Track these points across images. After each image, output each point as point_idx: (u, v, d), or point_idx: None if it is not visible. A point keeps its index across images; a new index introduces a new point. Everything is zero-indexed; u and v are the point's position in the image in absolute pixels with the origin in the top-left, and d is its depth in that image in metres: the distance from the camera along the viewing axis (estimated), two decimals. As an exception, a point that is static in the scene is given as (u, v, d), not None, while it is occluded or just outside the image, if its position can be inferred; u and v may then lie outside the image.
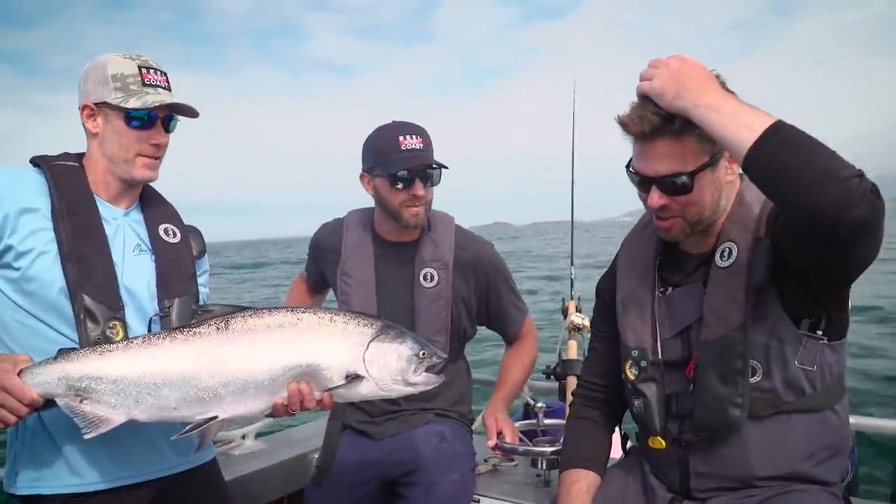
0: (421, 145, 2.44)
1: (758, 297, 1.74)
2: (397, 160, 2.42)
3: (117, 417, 1.71)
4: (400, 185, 2.43)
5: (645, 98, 1.73)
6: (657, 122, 1.70)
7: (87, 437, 1.70)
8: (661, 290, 1.93)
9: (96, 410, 1.71)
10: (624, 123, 1.77)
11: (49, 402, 1.73)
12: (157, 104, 1.89)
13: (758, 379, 1.76)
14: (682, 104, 1.62)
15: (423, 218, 2.51)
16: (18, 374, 1.68)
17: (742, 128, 1.54)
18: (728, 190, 1.82)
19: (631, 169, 1.84)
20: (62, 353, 1.73)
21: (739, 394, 1.74)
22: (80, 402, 1.71)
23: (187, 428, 1.73)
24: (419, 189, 2.43)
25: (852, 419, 1.90)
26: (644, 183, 1.80)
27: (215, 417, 1.72)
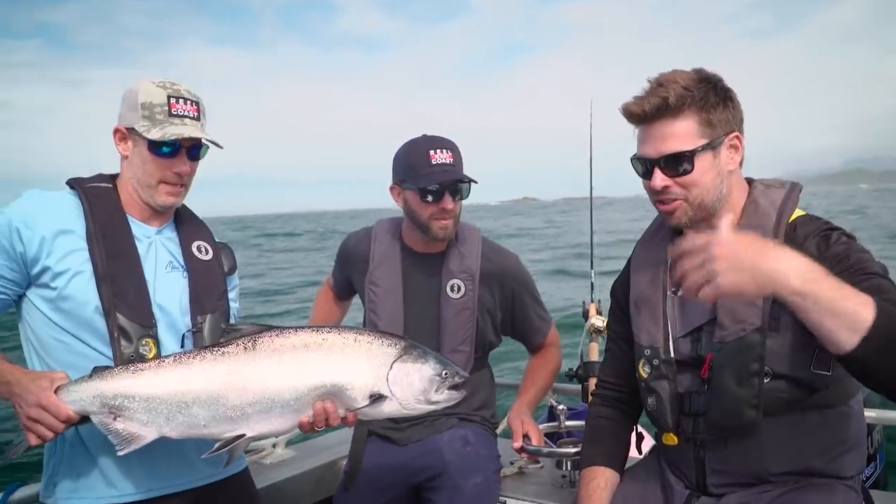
0: (451, 160, 2.49)
1: (775, 303, 1.74)
2: (427, 175, 2.46)
3: (149, 434, 1.78)
4: (430, 199, 2.47)
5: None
6: (656, 103, 1.77)
7: (120, 453, 1.77)
8: (673, 289, 1.96)
9: (129, 427, 1.77)
10: (625, 109, 1.84)
11: (84, 419, 1.79)
12: (176, 137, 1.94)
13: (772, 380, 1.77)
14: (771, 293, 1.53)
15: (452, 231, 2.56)
16: (55, 392, 1.75)
17: (843, 328, 1.47)
18: (729, 181, 1.85)
19: (634, 156, 1.89)
20: (97, 371, 1.80)
21: (755, 395, 1.76)
22: (114, 419, 1.77)
23: (216, 446, 1.78)
24: (448, 203, 2.48)
25: (884, 413, 1.89)
26: (647, 167, 1.85)
27: (243, 435, 1.78)
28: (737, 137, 1.84)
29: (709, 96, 1.78)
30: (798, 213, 1.85)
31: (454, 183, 2.48)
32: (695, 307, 1.89)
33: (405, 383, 1.79)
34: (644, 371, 1.95)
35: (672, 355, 1.91)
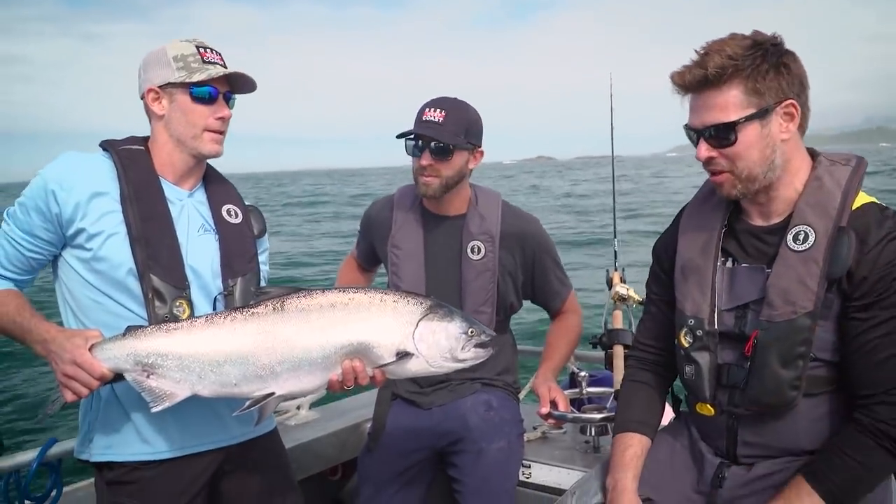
0: (440, 119, 2.48)
1: (829, 291, 1.74)
2: (412, 129, 2.50)
3: (182, 392, 1.81)
4: (413, 154, 2.52)
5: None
6: (696, 75, 1.74)
7: (153, 410, 1.80)
8: (723, 260, 1.93)
9: (162, 385, 1.81)
10: (672, 78, 1.81)
11: (118, 377, 1.83)
12: (221, 74, 1.98)
13: (814, 362, 1.78)
14: None
15: (436, 189, 2.53)
16: (90, 350, 1.79)
17: None
18: (784, 150, 1.80)
19: (686, 126, 1.86)
20: (130, 329, 1.83)
21: (799, 376, 1.76)
22: (147, 377, 1.80)
23: (247, 404, 1.81)
24: (425, 159, 2.48)
25: None
26: (693, 137, 1.83)
27: (272, 394, 1.80)
28: (792, 105, 1.77)
29: (758, 63, 1.72)
30: (863, 198, 1.80)
31: (430, 141, 2.47)
32: (745, 282, 1.87)
33: (431, 341, 1.80)
34: (686, 340, 1.93)
35: (716, 327, 1.89)
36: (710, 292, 1.91)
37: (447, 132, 2.47)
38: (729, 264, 1.92)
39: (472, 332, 1.83)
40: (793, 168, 1.83)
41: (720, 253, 1.93)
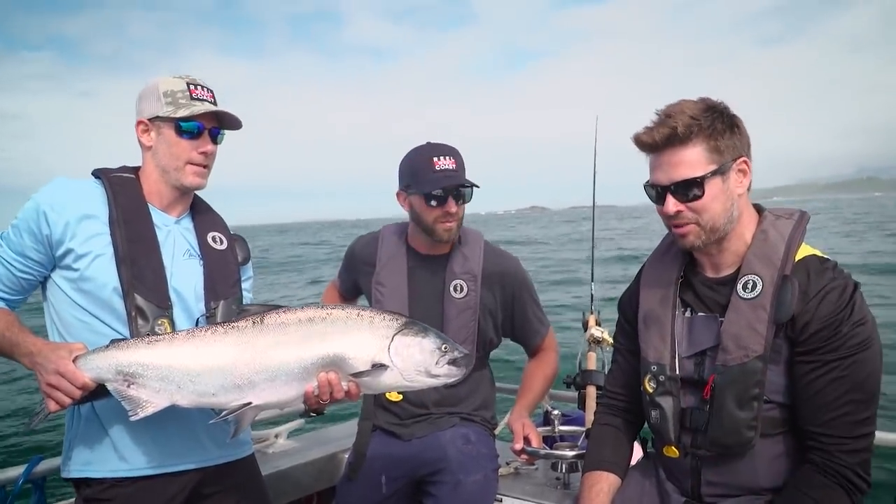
0: (453, 166, 2.60)
1: (777, 335, 1.85)
2: (432, 180, 2.57)
3: (160, 401, 1.87)
4: (434, 203, 2.58)
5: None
6: (665, 133, 1.86)
7: (132, 418, 1.86)
8: (682, 309, 2.05)
9: (141, 394, 1.86)
10: (636, 139, 1.92)
11: (101, 388, 1.89)
12: (204, 111, 2.07)
13: (768, 404, 1.88)
14: None
15: (456, 233, 2.65)
16: (73, 361, 1.85)
17: None
18: (739, 204, 1.93)
19: (648, 184, 1.97)
20: (114, 342, 1.90)
21: (754, 417, 1.86)
22: (128, 386, 1.87)
23: (224, 413, 1.87)
24: (452, 206, 2.58)
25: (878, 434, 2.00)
26: (660, 193, 1.93)
27: (249, 403, 1.86)
28: (745, 162, 1.92)
29: (715, 124, 1.86)
30: (806, 250, 1.92)
31: (457, 188, 2.59)
32: (702, 330, 1.98)
33: (406, 354, 1.85)
34: (650, 386, 2.03)
35: (678, 373, 2.00)
36: (671, 340, 2.02)
37: (463, 176, 2.61)
38: (687, 314, 2.03)
39: (445, 348, 1.88)
40: (743, 222, 1.96)
41: (679, 303, 2.05)
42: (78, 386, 1.84)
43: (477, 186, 2.63)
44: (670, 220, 1.95)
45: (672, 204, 1.90)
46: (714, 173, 1.87)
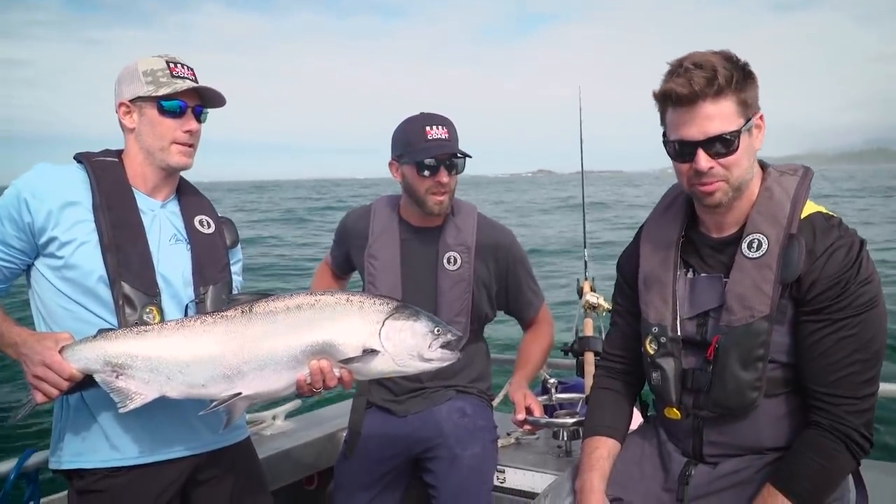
0: (446, 135, 2.56)
1: (782, 296, 1.82)
2: (424, 149, 2.53)
3: (150, 393, 1.84)
4: (427, 173, 2.54)
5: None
6: (703, 83, 1.75)
7: (121, 410, 1.83)
8: (684, 270, 2.00)
9: (130, 386, 1.84)
10: (670, 90, 1.80)
11: (88, 379, 1.85)
12: (185, 88, 2.02)
13: (772, 364, 1.85)
14: None
15: (447, 205, 2.61)
16: (60, 352, 1.82)
17: None
18: (754, 160, 1.88)
19: (670, 140, 1.87)
20: (101, 332, 1.86)
21: (758, 378, 1.83)
22: (116, 377, 1.84)
23: (213, 404, 1.84)
24: (444, 176, 2.54)
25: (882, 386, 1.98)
26: (687, 149, 1.83)
27: (239, 394, 1.83)
28: (760, 117, 1.86)
29: (743, 76, 1.79)
30: (811, 207, 1.87)
31: (449, 157, 2.55)
32: (705, 290, 1.94)
33: (397, 339, 1.83)
34: (651, 347, 2.00)
35: (679, 334, 1.96)
36: (672, 301, 1.98)
37: (456, 146, 2.57)
38: (689, 274, 1.99)
39: (438, 331, 1.86)
40: (750, 182, 1.90)
41: (681, 264, 2.00)
42: (65, 377, 1.81)
43: (469, 156, 2.58)
44: (698, 178, 1.85)
45: (704, 160, 1.81)
46: (744, 128, 1.80)
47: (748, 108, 1.80)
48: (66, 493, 2.09)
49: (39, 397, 1.83)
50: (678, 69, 1.80)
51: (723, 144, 1.79)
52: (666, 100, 1.84)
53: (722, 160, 1.81)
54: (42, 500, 2.39)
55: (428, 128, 2.55)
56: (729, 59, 1.80)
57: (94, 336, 1.85)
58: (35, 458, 2.30)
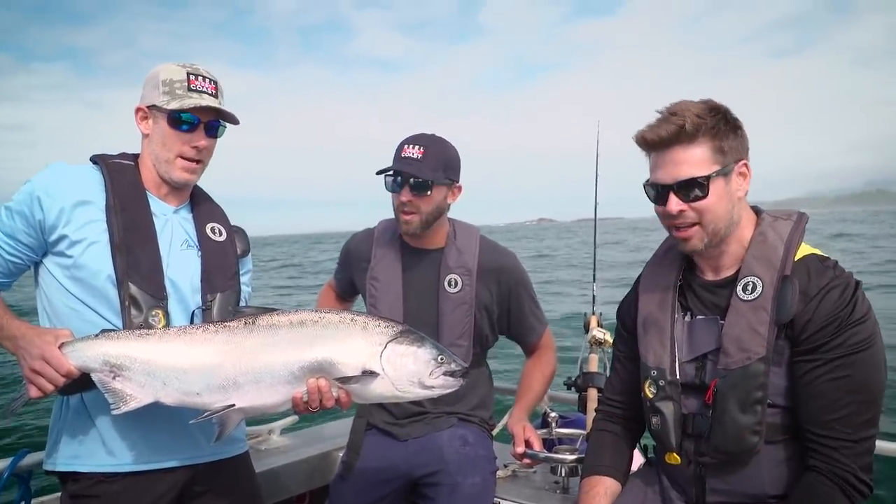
0: (419, 155, 2.51)
1: (778, 337, 1.82)
2: (393, 165, 2.53)
3: (144, 397, 1.82)
4: (392, 190, 2.54)
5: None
6: (672, 130, 1.82)
7: (115, 412, 1.81)
8: (682, 313, 2.01)
9: (126, 388, 1.82)
10: (640, 137, 1.88)
11: (86, 380, 1.84)
12: (194, 106, 2.00)
13: (772, 408, 1.84)
14: None
15: (417, 227, 2.56)
16: (59, 348, 1.81)
17: None
18: (739, 207, 1.91)
19: (648, 183, 1.93)
20: (103, 332, 1.85)
21: (758, 421, 1.82)
22: (113, 378, 1.82)
23: (206, 413, 1.81)
24: (405, 195, 2.51)
25: (879, 444, 1.96)
26: (661, 192, 1.89)
27: (233, 405, 1.80)
28: (745, 165, 1.90)
29: (720, 124, 1.84)
30: (806, 249, 1.89)
31: (409, 177, 2.50)
32: (702, 334, 1.94)
33: (398, 363, 1.80)
34: (650, 391, 2.00)
35: (678, 377, 1.96)
36: (670, 344, 1.98)
37: (426, 168, 2.51)
38: (687, 318, 1.99)
39: (441, 359, 1.83)
40: (742, 227, 1.93)
41: (678, 307, 2.01)
42: (62, 373, 1.79)
43: (427, 183, 2.51)
44: (671, 221, 1.91)
45: (675, 203, 1.87)
46: (718, 174, 1.84)
47: (724, 156, 1.84)
48: (58, 495, 2.07)
49: (34, 392, 1.81)
50: (659, 116, 1.87)
51: (692, 189, 1.84)
52: (642, 145, 1.91)
53: (693, 204, 1.85)
54: (33, 501, 2.36)
55: (407, 145, 2.54)
56: (710, 109, 1.85)
57: (96, 335, 1.85)
58: (29, 459, 2.28)
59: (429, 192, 2.53)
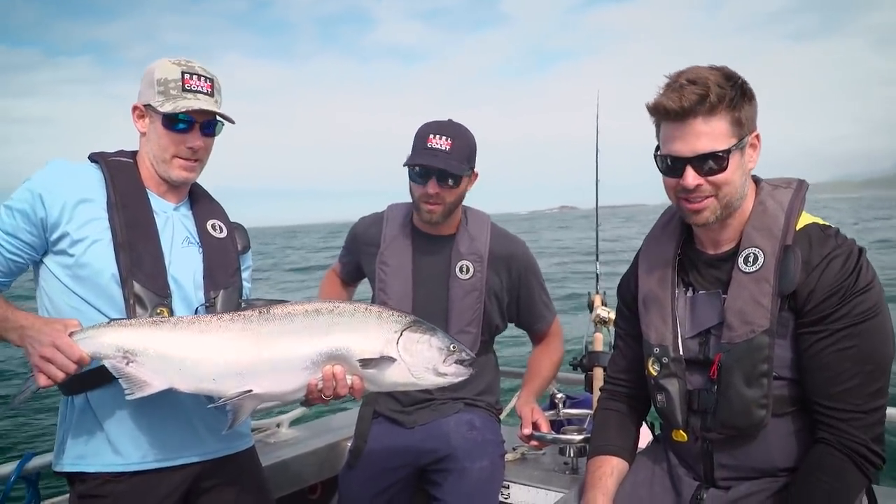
0: (447, 147, 2.50)
1: (782, 308, 1.79)
2: (417, 156, 2.50)
3: (159, 383, 1.82)
4: (418, 180, 2.52)
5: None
6: (694, 99, 1.73)
7: (129, 398, 1.81)
8: (683, 289, 1.98)
9: (140, 374, 1.82)
10: (660, 104, 1.79)
11: (90, 378, 1.84)
12: (186, 109, 1.98)
13: (778, 381, 1.81)
14: None
15: (440, 216, 2.56)
16: (69, 336, 1.80)
17: None
18: (748, 179, 1.87)
19: (661, 154, 1.86)
20: (113, 321, 1.85)
21: (764, 395, 1.79)
22: (127, 364, 1.82)
23: (222, 399, 1.82)
24: (432, 188, 2.49)
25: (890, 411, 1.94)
26: (677, 165, 1.81)
27: (249, 391, 1.81)
28: (756, 136, 1.84)
29: (737, 95, 1.76)
30: (805, 218, 1.86)
31: (439, 171, 2.49)
32: (704, 308, 1.91)
33: (415, 350, 1.83)
34: (653, 369, 1.97)
35: (681, 353, 1.93)
36: (672, 321, 1.95)
37: (455, 161, 2.50)
38: (689, 293, 1.96)
39: (453, 347, 1.87)
40: (747, 195, 1.88)
41: (679, 283, 1.98)
42: (74, 360, 1.78)
43: (458, 176, 2.51)
44: (686, 195, 1.84)
45: (692, 177, 1.80)
46: (736, 147, 1.78)
47: (742, 128, 1.78)
48: (66, 496, 2.08)
49: (43, 380, 1.78)
50: (673, 83, 1.79)
51: (713, 162, 1.78)
52: (657, 113, 1.83)
53: (711, 178, 1.80)
54: (43, 503, 2.37)
55: (432, 135, 2.51)
56: (727, 76, 1.78)
57: (107, 323, 1.85)
58: (36, 462, 2.29)
59: (457, 186, 2.53)
